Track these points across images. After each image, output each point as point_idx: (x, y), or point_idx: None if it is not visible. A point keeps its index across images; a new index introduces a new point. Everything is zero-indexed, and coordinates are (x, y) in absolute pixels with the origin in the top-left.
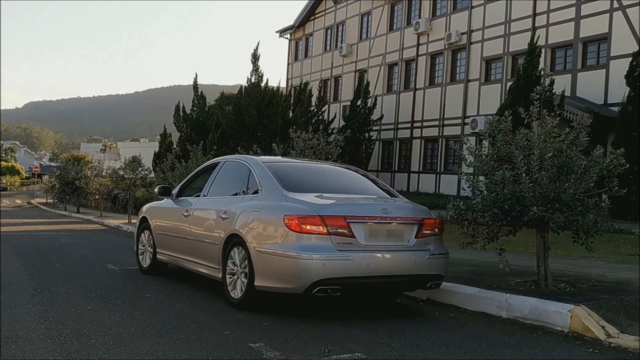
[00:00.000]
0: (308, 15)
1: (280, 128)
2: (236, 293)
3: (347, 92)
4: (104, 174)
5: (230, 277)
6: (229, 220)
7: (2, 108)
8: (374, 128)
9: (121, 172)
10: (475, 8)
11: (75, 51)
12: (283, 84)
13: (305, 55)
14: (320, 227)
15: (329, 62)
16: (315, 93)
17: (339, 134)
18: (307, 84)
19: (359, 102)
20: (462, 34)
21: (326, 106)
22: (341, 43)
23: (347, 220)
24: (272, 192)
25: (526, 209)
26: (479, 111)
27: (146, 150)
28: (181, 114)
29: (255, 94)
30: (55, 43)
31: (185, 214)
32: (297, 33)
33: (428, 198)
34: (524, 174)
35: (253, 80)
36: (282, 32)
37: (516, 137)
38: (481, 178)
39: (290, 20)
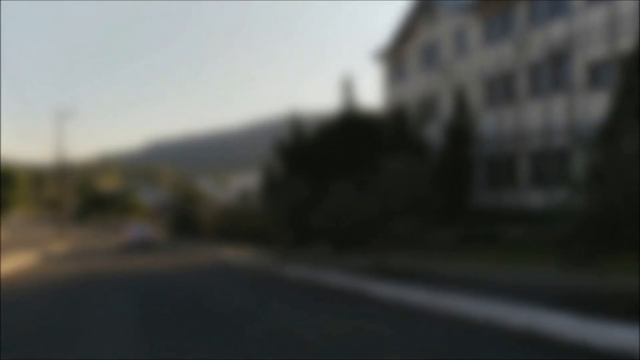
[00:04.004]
0: (401, 35)
1: (374, 154)
2: None
3: (445, 110)
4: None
5: None
6: None
7: (123, 148)
8: (476, 145)
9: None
10: (576, 13)
11: (183, 89)
12: (377, 107)
13: (400, 76)
14: None
15: (425, 81)
16: (412, 114)
17: (438, 155)
18: (403, 106)
19: (458, 120)
20: (563, 41)
21: (425, 127)
22: (437, 61)
23: None
24: None
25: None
26: (585, 121)
27: (254, 182)
28: (280, 146)
29: (347, 123)
30: (169, 83)
31: None
32: (390, 54)
33: (535, 215)
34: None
35: (344, 108)
36: (373, 55)
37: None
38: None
39: (381, 41)
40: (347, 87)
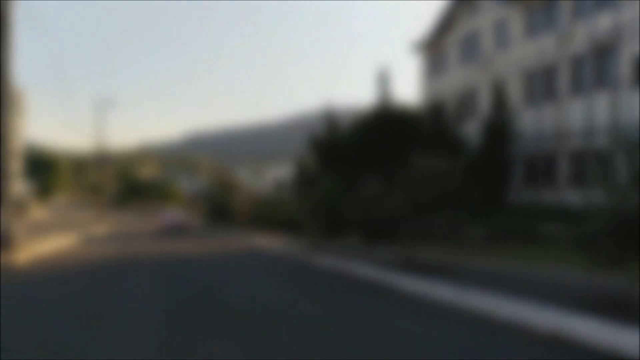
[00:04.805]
0: (441, 27)
1: (409, 150)
2: None
3: (484, 105)
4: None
5: None
6: None
7: (163, 138)
8: (514, 143)
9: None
10: (624, 6)
11: (223, 81)
12: (413, 101)
13: (438, 70)
14: None
15: (464, 75)
16: (449, 109)
17: (475, 152)
18: (441, 100)
19: (496, 117)
20: (608, 34)
21: (462, 123)
22: (476, 54)
23: None
24: None
25: None
26: (629, 119)
27: (288, 173)
28: (314, 140)
29: (382, 117)
30: (211, 73)
31: None
32: (429, 46)
33: (573, 214)
34: None
35: (380, 102)
36: (412, 47)
37: None
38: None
39: (420, 33)
40: (383, 80)
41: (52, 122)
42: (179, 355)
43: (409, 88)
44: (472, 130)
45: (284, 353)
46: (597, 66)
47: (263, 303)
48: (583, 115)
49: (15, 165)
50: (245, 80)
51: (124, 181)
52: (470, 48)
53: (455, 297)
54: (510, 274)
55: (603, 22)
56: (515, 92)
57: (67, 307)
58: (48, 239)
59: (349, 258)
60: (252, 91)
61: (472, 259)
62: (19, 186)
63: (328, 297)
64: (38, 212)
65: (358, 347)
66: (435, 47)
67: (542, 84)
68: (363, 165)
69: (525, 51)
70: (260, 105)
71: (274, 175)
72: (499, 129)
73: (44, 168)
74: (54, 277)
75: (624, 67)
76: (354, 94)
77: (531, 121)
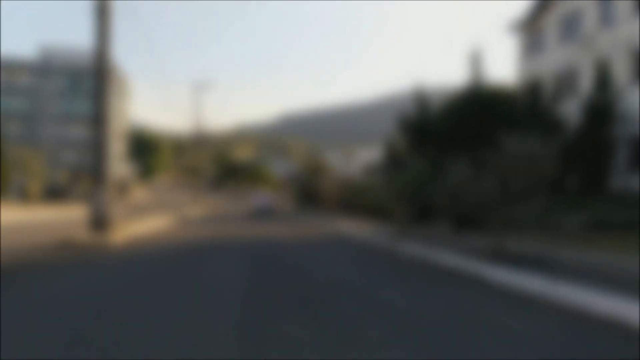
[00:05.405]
0: (538, 7)
1: (502, 131)
2: None
3: (585, 85)
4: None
5: None
6: None
7: (258, 119)
8: (618, 125)
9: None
10: None
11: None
12: (508, 81)
13: (536, 49)
14: None
15: (564, 54)
16: (548, 89)
17: (574, 134)
18: (538, 80)
19: (599, 97)
20: None
21: (561, 104)
22: (578, 32)
23: None
24: None
25: None
26: None
27: (378, 156)
28: (403, 121)
29: (475, 97)
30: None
31: None
32: (527, 24)
33: None
34: None
35: (472, 82)
36: (508, 27)
37: None
38: None
39: (514, 11)
40: (476, 59)
41: (152, 106)
42: (251, 335)
43: (501, 68)
44: (571, 110)
45: (363, 342)
46: None
47: (342, 290)
48: None
49: (120, 147)
50: (338, 61)
51: (220, 162)
52: (571, 27)
53: (547, 289)
54: (609, 266)
55: None
56: (620, 71)
57: (148, 284)
58: (144, 220)
59: (436, 246)
60: (343, 72)
61: (568, 249)
62: (122, 167)
63: (411, 286)
64: (139, 193)
65: (444, 339)
66: (532, 26)
67: None
68: (453, 146)
69: (632, 30)
70: (351, 86)
71: (364, 158)
72: (602, 109)
73: (147, 150)
74: (142, 256)
75: None
76: (445, 73)
77: (637, 101)
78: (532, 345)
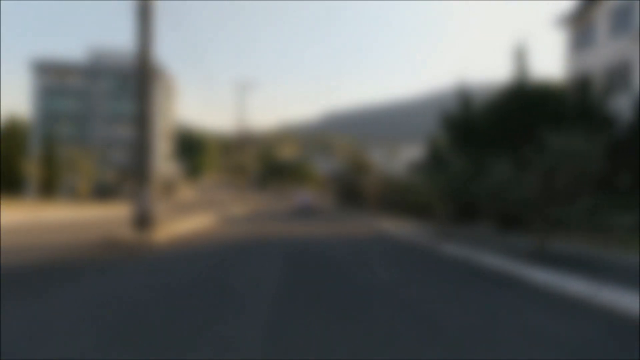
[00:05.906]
0: (587, 1)
1: (548, 128)
2: None
3: (638, 80)
4: (381, 179)
5: None
6: None
7: (302, 118)
8: None
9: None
10: None
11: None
12: (554, 77)
13: (585, 43)
14: None
15: (615, 49)
16: (598, 84)
17: (626, 130)
18: (587, 75)
19: None
20: None
21: (612, 99)
22: (630, 26)
23: None
24: None
25: None
26: None
27: (422, 154)
28: (447, 118)
29: (519, 94)
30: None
31: None
32: (574, 20)
33: None
34: None
35: (516, 78)
36: (555, 21)
37: None
38: None
39: (561, 7)
40: (521, 55)
41: (197, 106)
42: (282, 336)
43: (548, 64)
44: (622, 106)
45: (398, 344)
46: None
47: (378, 290)
48: None
49: (166, 147)
50: (381, 59)
51: (265, 161)
52: (622, 20)
53: (591, 292)
54: None
55: None
56: None
57: (187, 281)
58: (188, 218)
59: (479, 246)
60: (387, 70)
61: (616, 251)
62: (169, 167)
63: (451, 287)
64: (185, 192)
65: (483, 342)
66: (581, 21)
67: None
68: (497, 144)
69: None
70: (395, 84)
71: (407, 155)
72: None
73: (194, 149)
74: (182, 255)
75: None
76: (489, 70)
77: None
78: (565, 348)
